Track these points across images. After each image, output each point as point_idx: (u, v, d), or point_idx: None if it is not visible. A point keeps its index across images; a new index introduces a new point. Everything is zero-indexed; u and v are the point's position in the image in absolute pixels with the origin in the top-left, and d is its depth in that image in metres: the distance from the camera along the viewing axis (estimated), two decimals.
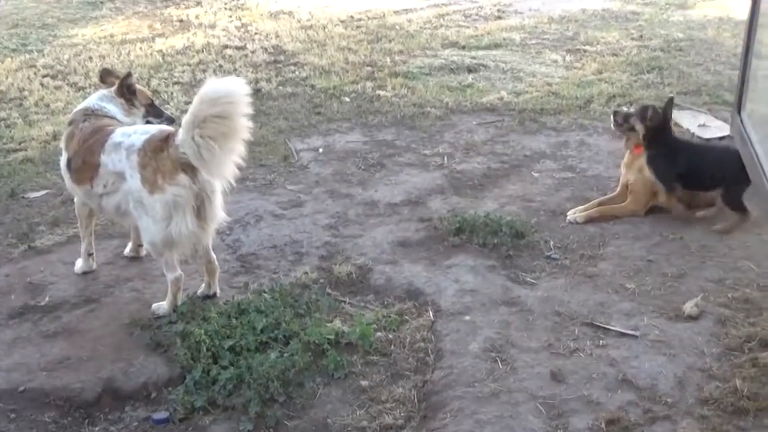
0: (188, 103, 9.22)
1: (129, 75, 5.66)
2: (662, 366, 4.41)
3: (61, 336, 4.94)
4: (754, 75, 4.74)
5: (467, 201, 6.76)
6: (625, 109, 6.53)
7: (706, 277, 5.35)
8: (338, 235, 6.18)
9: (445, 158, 7.72)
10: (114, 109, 5.50)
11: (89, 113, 5.40)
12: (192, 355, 4.59)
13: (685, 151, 6.33)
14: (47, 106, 9.51)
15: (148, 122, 5.65)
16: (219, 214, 5.03)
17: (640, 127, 6.28)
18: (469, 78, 10.45)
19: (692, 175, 6.17)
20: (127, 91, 5.58)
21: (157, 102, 6.01)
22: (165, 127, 5.20)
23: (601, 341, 4.68)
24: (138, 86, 5.75)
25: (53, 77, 10.72)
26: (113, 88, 5.60)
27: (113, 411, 4.39)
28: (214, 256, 5.29)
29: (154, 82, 10.32)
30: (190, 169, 4.79)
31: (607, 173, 7.20)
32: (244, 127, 4.73)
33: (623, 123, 6.42)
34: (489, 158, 7.72)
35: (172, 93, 9.86)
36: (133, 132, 5.08)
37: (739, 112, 4.81)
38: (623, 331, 4.77)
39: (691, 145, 6.76)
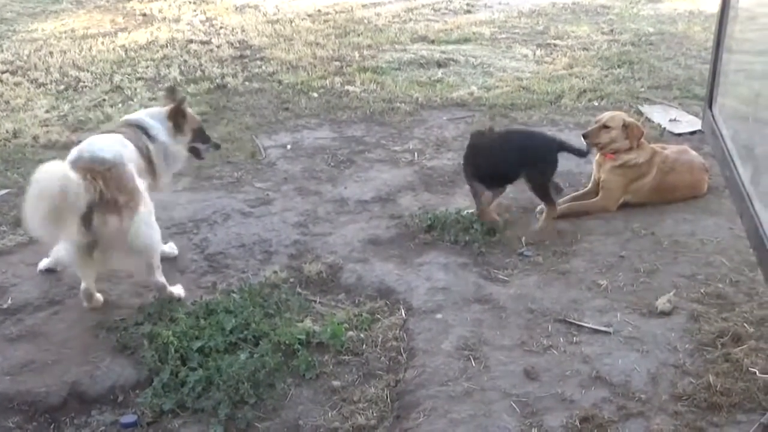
0: (152, 99, 9.23)
1: (184, 100, 5.77)
2: (635, 362, 4.45)
3: (25, 339, 4.89)
4: (725, 69, 4.79)
5: (438, 198, 6.78)
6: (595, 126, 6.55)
7: (678, 272, 5.41)
8: (308, 233, 6.18)
9: (416, 154, 7.74)
10: (159, 128, 5.52)
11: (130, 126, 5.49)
12: (160, 357, 4.57)
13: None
14: (7, 102, 9.40)
15: (193, 148, 5.80)
16: None
17: None
18: (439, 73, 10.48)
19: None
20: (177, 116, 5.61)
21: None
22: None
23: (574, 338, 4.71)
24: (189, 111, 5.81)
25: (13, 73, 10.60)
26: (165, 109, 5.63)
27: (79, 415, 4.36)
28: None
29: (117, 78, 10.24)
30: None
31: (579, 169, 7.24)
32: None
33: None
34: (460, 154, 7.68)
35: (135, 89, 9.79)
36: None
37: (710, 107, 4.86)
38: (596, 327, 4.81)
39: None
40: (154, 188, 5.47)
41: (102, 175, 4.73)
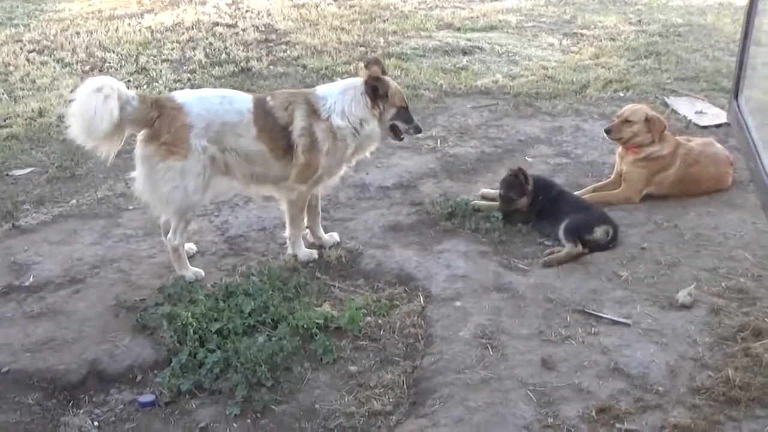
0: (177, 81, 9.26)
1: (379, 79, 5.41)
2: (654, 355, 4.43)
3: (46, 317, 4.94)
4: (753, 62, 4.74)
5: (460, 185, 6.76)
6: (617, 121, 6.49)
7: (699, 265, 5.37)
8: (328, 218, 6.18)
9: (438, 141, 7.73)
10: (342, 104, 5.33)
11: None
12: (179, 338, 4.59)
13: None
14: (33, 82, 9.47)
15: (393, 126, 5.54)
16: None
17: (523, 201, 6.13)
18: (464, 60, 10.45)
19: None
20: (374, 92, 5.39)
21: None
22: None
23: (592, 329, 4.70)
24: (394, 85, 5.55)
25: (39, 52, 10.68)
26: (361, 81, 5.43)
27: (98, 393, 4.40)
28: None
29: (142, 59, 10.29)
30: None
31: (602, 159, 7.22)
32: None
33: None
34: (482, 142, 7.73)
35: (161, 71, 9.84)
36: None
37: (736, 98, 4.80)
38: (615, 319, 4.79)
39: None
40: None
41: (162, 108, 5.06)
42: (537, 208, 5.97)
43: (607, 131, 6.53)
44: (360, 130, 5.39)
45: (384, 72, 5.53)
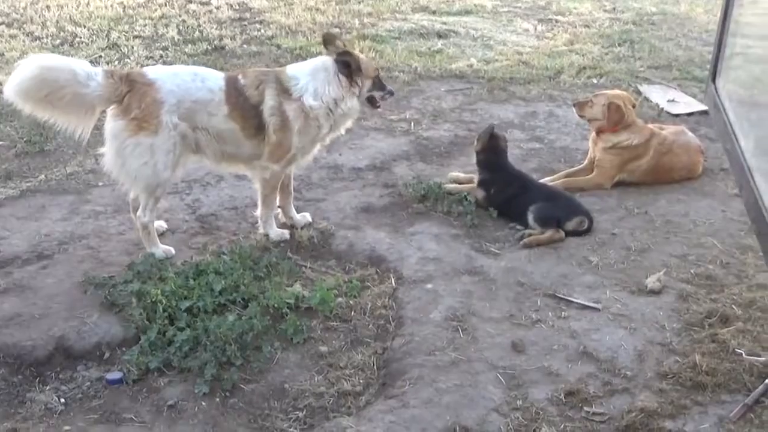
0: (149, 57, 9.17)
1: (348, 53, 5.39)
2: (623, 339, 4.47)
3: (13, 292, 4.87)
4: (729, 51, 4.75)
5: (433, 168, 6.76)
6: (588, 96, 6.58)
7: (669, 252, 5.42)
8: (301, 198, 6.16)
9: (412, 124, 7.72)
10: (314, 85, 5.29)
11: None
12: (148, 316, 4.56)
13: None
14: (2, 55, 9.33)
15: (369, 97, 5.52)
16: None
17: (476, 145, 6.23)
18: (439, 44, 10.44)
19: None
20: (348, 68, 5.36)
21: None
22: None
23: (562, 313, 4.73)
24: (362, 57, 5.52)
25: (8, 26, 10.52)
26: (331, 60, 5.38)
27: (65, 370, 4.35)
28: None
29: (113, 35, 10.16)
30: None
31: (575, 145, 7.25)
32: None
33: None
34: (456, 126, 7.73)
35: (132, 47, 9.73)
36: None
37: (713, 81, 4.82)
38: (585, 303, 4.82)
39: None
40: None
41: (133, 83, 5.00)
42: (500, 197, 5.97)
43: (574, 104, 6.72)
44: (335, 110, 5.36)
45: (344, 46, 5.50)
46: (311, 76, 5.32)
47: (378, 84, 5.56)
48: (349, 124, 5.63)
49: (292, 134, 5.30)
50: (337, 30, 10.65)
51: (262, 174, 5.43)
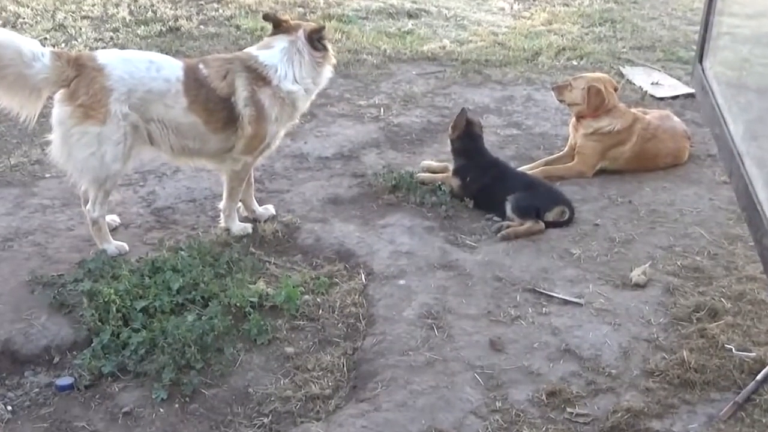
0: (98, 39, 9.08)
1: (317, 30, 5.41)
2: (607, 336, 4.50)
3: None
4: (718, 30, 4.77)
5: (404, 156, 6.76)
6: (569, 78, 6.64)
7: (655, 243, 5.46)
8: (263, 189, 6.13)
9: (382, 110, 7.71)
10: (292, 70, 5.29)
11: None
12: (100, 317, 4.52)
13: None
14: None
15: None
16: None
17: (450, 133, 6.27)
18: (409, 24, 10.42)
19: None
20: (320, 42, 5.40)
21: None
22: None
23: (543, 309, 4.75)
24: (326, 27, 5.58)
25: None
26: (302, 40, 5.36)
27: (11, 376, 4.31)
28: None
29: (59, 16, 10.03)
30: None
31: (555, 131, 7.28)
32: None
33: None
34: (429, 111, 7.73)
35: (80, 28, 9.61)
36: None
37: (700, 61, 4.84)
38: (567, 298, 4.85)
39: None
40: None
41: (81, 68, 4.94)
42: (476, 185, 5.99)
43: (553, 88, 6.76)
44: (312, 88, 5.43)
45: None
46: (288, 62, 5.31)
47: None
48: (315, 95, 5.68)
49: (268, 123, 5.29)
50: (300, 10, 10.61)
51: (233, 166, 5.40)
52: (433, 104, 7.90)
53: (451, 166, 6.17)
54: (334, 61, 5.55)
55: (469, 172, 6.03)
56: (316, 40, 5.34)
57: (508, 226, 5.60)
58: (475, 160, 6.08)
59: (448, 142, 6.25)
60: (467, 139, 6.13)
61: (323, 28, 5.45)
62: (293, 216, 5.76)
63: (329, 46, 5.50)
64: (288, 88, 5.27)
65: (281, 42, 5.40)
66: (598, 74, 6.86)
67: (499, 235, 5.55)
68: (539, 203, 5.70)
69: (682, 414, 3.95)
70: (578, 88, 6.45)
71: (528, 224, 5.58)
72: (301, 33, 5.35)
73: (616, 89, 6.64)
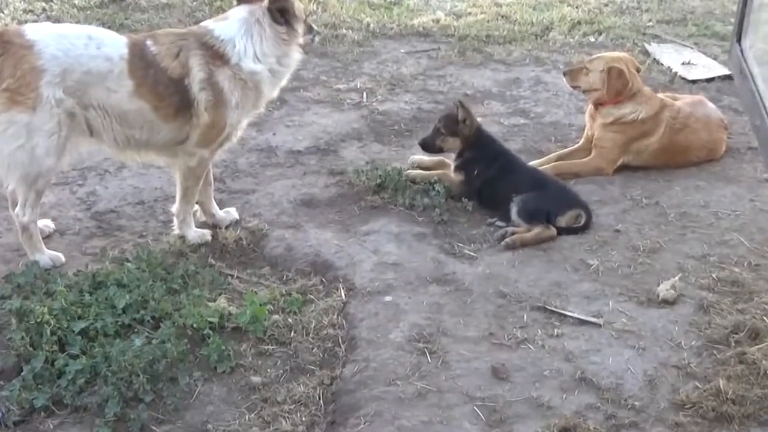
0: (28, 11, 9.07)
1: None
2: (629, 362, 4.52)
3: None
4: (760, 1, 4.80)
5: (391, 150, 6.79)
6: (584, 59, 6.68)
7: (686, 252, 5.50)
8: (224, 190, 6.15)
9: (364, 95, 7.74)
10: (252, 46, 5.31)
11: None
12: (32, 340, 4.51)
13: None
14: None
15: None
16: None
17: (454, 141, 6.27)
18: None
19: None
20: (283, 15, 5.39)
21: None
22: None
23: (555, 330, 4.77)
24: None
25: None
26: (261, 9, 5.37)
27: None
28: None
29: None
30: None
31: (568, 120, 7.32)
32: None
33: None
34: (420, 96, 7.76)
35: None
36: None
37: (738, 41, 4.87)
38: (583, 318, 4.87)
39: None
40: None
41: (7, 45, 4.96)
42: (481, 179, 6.03)
43: (565, 73, 6.76)
44: (278, 70, 5.43)
45: None
46: (246, 35, 5.31)
47: (307, 26, 5.67)
48: (285, 81, 5.66)
49: (228, 110, 5.31)
50: None
51: (188, 162, 5.42)
52: (424, 88, 7.93)
53: (449, 161, 6.20)
54: (300, 40, 5.52)
55: (476, 164, 6.07)
56: (276, 11, 5.34)
57: (513, 233, 5.63)
58: (483, 150, 6.11)
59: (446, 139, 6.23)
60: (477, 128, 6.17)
61: None
62: (260, 221, 5.79)
63: (298, 23, 5.47)
64: (250, 68, 5.29)
65: (240, 11, 5.41)
66: (617, 53, 6.90)
67: (502, 243, 5.58)
68: (550, 206, 5.73)
69: None
70: (596, 70, 6.47)
71: (536, 230, 5.62)
72: (265, 2, 5.37)
73: (638, 70, 6.67)
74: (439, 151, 6.27)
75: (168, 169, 5.79)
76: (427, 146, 6.29)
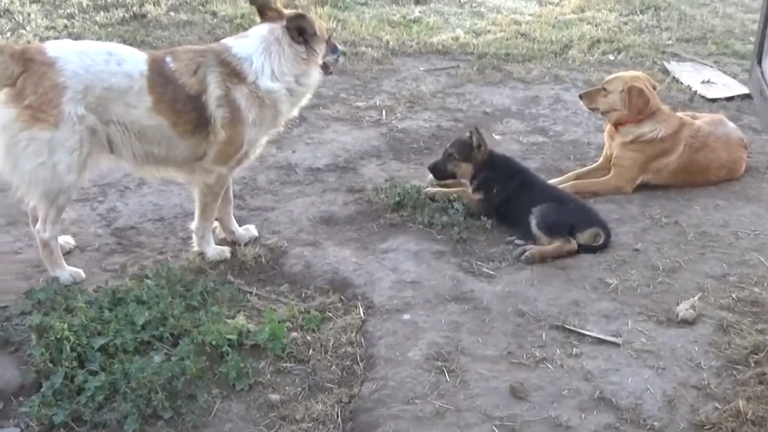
0: (50, 28, 9.13)
1: (301, 16, 5.48)
2: (648, 382, 4.50)
3: None
4: None
5: (410, 168, 6.80)
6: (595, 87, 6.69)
7: (705, 272, 5.48)
8: (244, 207, 6.17)
9: (384, 112, 7.75)
10: (270, 64, 5.33)
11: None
12: (51, 357, 4.52)
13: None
14: None
15: (323, 64, 5.60)
16: None
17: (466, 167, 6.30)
18: (416, 11, 10.49)
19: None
20: (302, 34, 5.41)
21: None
22: None
23: (573, 349, 4.76)
24: (314, 18, 5.59)
25: None
26: (280, 28, 5.40)
27: None
28: None
29: (5, 0, 10.10)
30: None
31: (587, 138, 7.31)
32: None
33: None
34: (439, 114, 7.77)
35: (29, 15, 9.69)
36: None
37: (759, 62, 4.86)
38: (602, 337, 4.86)
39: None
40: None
41: (29, 62, 4.96)
42: (500, 197, 6.03)
43: (581, 96, 6.73)
44: (297, 89, 5.44)
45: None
46: (264, 53, 5.33)
47: (331, 46, 5.68)
48: (305, 101, 5.67)
49: (245, 127, 5.32)
50: None
51: (206, 179, 5.44)
52: (443, 106, 7.94)
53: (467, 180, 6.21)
54: (320, 60, 5.54)
55: (495, 182, 6.07)
56: (294, 29, 5.36)
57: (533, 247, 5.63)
58: (500, 169, 6.12)
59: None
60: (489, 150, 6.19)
61: (301, 16, 5.44)
62: (279, 238, 5.79)
63: (318, 43, 5.49)
64: (267, 86, 5.30)
65: (260, 30, 5.45)
66: (632, 72, 6.88)
67: (522, 257, 5.57)
68: (571, 219, 5.72)
69: None
70: (615, 91, 6.47)
71: (557, 243, 5.61)
72: (284, 21, 5.39)
73: (654, 87, 6.66)
74: (451, 176, 6.30)
75: (187, 185, 5.80)
76: (438, 171, 6.33)
